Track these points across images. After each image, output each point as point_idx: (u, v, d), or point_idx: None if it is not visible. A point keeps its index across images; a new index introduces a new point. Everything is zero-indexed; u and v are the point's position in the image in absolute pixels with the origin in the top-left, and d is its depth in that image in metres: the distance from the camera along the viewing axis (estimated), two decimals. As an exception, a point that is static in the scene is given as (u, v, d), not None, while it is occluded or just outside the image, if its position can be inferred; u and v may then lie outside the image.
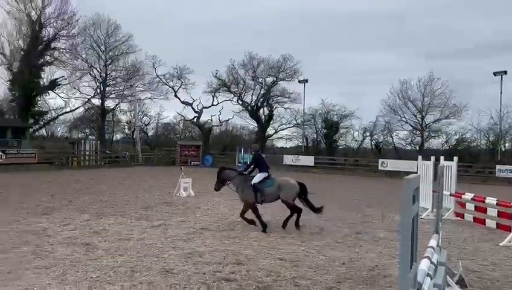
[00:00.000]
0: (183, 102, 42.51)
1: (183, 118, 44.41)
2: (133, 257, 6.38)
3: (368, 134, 39.20)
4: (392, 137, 38.40)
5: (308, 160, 33.87)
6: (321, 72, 56.41)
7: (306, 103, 39.81)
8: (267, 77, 41.39)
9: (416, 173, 11.91)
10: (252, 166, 9.49)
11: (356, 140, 40.12)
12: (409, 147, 37.37)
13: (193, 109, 42.56)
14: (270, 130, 42.63)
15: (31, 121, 33.76)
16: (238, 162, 25.19)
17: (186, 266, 6.03)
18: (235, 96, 42.01)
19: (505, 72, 31.56)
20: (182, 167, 16.29)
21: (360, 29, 58.13)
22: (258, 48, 63.77)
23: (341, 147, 40.62)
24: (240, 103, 42.06)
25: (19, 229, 8.13)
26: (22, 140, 27.04)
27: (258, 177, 9.17)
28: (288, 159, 34.26)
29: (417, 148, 35.07)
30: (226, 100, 42.16)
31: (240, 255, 6.73)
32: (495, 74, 32.06)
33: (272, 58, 40.48)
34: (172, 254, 6.66)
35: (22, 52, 32.68)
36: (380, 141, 38.90)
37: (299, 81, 39.25)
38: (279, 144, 45.63)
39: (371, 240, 8.30)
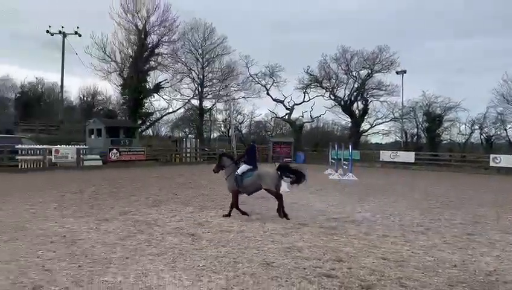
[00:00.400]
0: (274, 99, 43.15)
1: (275, 115, 45.05)
2: (235, 249, 6.61)
3: (476, 127, 35.78)
4: (505, 130, 34.47)
5: (408, 156, 31.95)
6: (421, 61, 52.79)
7: (404, 95, 37.87)
8: (361, 70, 40.07)
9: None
10: (246, 157, 9.93)
11: (463, 134, 36.88)
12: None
13: (284, 106, 42.95)
14: (364, 125, 41.17)
15: (139, 121, 37.11)
16: (332, 159, 24.70)
17: (286, 260, 6.07)
18: (327, 91, 41.39)
19: None
20: (275, 163, 16.50)
21: (463, 12, 53.02)
22: (351, 40, 61.85)
23: (445, 142, 37.59)
24: (332, 98, 41.33)
25: (133, 219, 8.95)
26: (132, 139, 29.85)
27: (241, 168, 9.54)
28: (385, 156, 32.71)
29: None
30: (317, 96, 41.81)
31: (340, 252, 6.57)
32: None
33: (366, 50, 39.09)
34: (271, 247, 6.76)
35: (130, 59, 36.04)
36: (491, 134, 35.19)
37: (397, 73, 37.25)
38: (375, 139, 43.89)
39: (486, 242, 7.51)
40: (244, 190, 9.46)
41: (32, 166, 21.80)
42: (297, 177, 9.13)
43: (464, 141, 36.64)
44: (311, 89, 41.96)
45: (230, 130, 41.50)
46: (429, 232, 8.23)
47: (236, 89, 42.66)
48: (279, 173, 9.34)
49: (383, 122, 40.13)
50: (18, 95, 50.65)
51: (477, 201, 13.14)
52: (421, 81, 58.85)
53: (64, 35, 38.81)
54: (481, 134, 35.76)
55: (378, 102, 39.80)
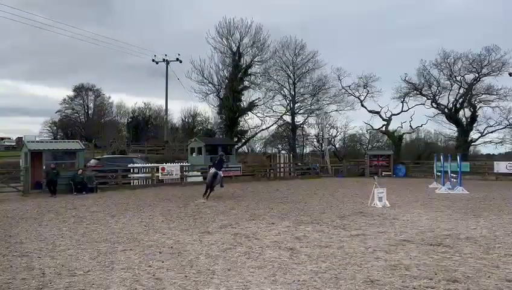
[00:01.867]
0: (370, 111, 41.61)
1: (370, 127, 43.39)
2: (335, 265, 6.36)
3: None
4: None
5: (528, 167, 28.15)
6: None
7: (520, 98, 33.51)
8: (466, 74, 36.76)
9: None
10: (215, 164, 16.44)
11: None
12: None
13: (381, 116, 41.16)
14: (473, 134, 37.44)
15: (235, 139, 38.58)
16: (437, 171, 22.80)
17: (392, 278, 5.65)
18: (428, 99, 38.74)
19: None
20: (376, 177, 15.74)
21: None
22: (453, 43, 57.36)
23: None
24: (435, 106, 38.51)
25: (233, 232, 9.19)
26: (229, 156, 31.07)
27: (210, 171, 16.21)
28: (500, 167, 29.28)
29: None
30: (417, 105, 39.29)
31: (454, 272, 5.92)
32: None
33: (471, 52, 35.83)
34: (374, 264, 6.36)
35: (226, 80, 37.89)
36: None
37: (510, 74, 33.42)
38: (487, 149, 39.61)
39: None
40: (210, 184, 15.91)
41: (142, 183, 23.87)
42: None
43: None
44: (410, 98, 39.65)
45: (323, 144, 40.94)
46: None
47: (328, 102, 42.17)
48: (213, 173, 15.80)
49: (496, 129, 36.10)
50: (130, 119, 56.48)
51: None
52: (541, 81, 51.86)
53: (167, 62, 42.42)
54: None
55: (488, 108, 36.03)
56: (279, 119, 42.51)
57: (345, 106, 42.09)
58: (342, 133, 47.04)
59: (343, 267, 6.20)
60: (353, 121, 61.80)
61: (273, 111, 41.81)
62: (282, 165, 33.71)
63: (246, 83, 38.95)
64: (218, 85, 38.36)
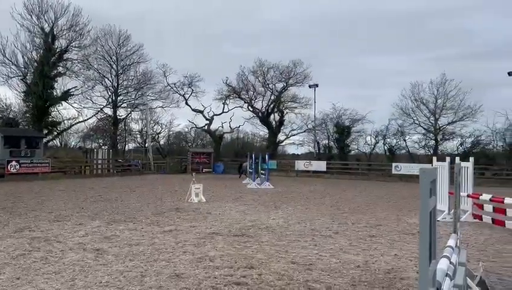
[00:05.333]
0: (194, 110, 42.72)
1: (194, 125, 44.59)
2: (143, 262, 6.28)
3: (380, 138, 38.75)
4: (405, 141, 37.92)
5: (320, 165, 33.60)
6: (331, 76, 56.17)
7: (317, 107, 39.63)
8: (277, 83, 41.39)
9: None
10: None
11: (369, 144, 39.71)
12: (422, 151, 36.85)
13: (204, 116, 42.74)
14: (281, 136, 42.49)
15: (45, 131, 34.20)
16: (249, 169, 25.03)
17: (197, 270, 5.92)
18: (245, 102, 42.05)
19: (520, 72, 30.97)
20: (194, 173, 16.27)
21: (369, 32, 57.85)
22: (268, 54, 63.89)
23: (353, 151, 40.21)
24: (251, 109, 42.07)
25: (31, 236, 8.11)
26: (35, 150, 27.35)
27: None
28: (300, 165, 34.06)
29: (431, 151, 34.51)
30: (236, 107, 42.24)
31: (252, 259, 6.59)
32: (509, 74, 31.51)
33: (281, 63, 40.51)
34: (182, 258, 6.55)
35: (35, 64, 33.21)
36: (393, 144, 38.41)
37: (310, 86, 39.14)
38: (291, 150, 45.44)
39: (386, 243, 8.08)
40: None
41: None
42: None
43: (370, 150, 39.57)
44: (230, 100, 42.38)
45: (146, 141, 40.09)
46: (337, 236, 8.64)
47: (153, 98, 41.46)
48: None
49: (298, 133, 41.81)
50: None
51: (381, 206, 14.17)
52: (332, 94, 62.62)
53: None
54: (384, 144, 38.93)
55: (293, 114, 41.43)
56: (99, 111, 39.66)
57: (170, 103, 42.14)
58: (166, 130, 46.94)
59: (151, 264, 6.18)
60: (178, 118, 62.36)
61: (93, 102, 38.75)
62: (99, 162, 31.54)
63: (61, 69, 34.99)
64: (25, 68, 33.39)
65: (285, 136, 42.43)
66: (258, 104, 41.96)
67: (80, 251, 6.90)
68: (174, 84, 42.01)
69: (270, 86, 41.36)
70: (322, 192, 19.12)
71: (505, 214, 9.19)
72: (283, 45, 56.77)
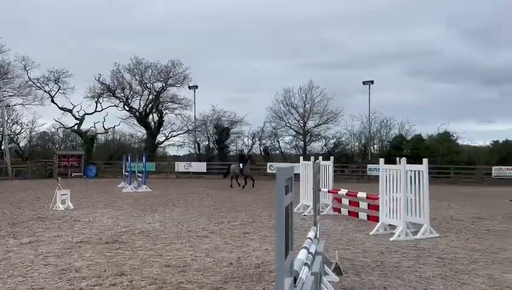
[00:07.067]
0: (61, 108, 39.02)
1: (62, 125, 40.66)
2: (-7, 280, 5.54)
3: (256, 139, 40.62)
4: (278, 142, 40.46)
5: (201, 166, 33.83)
6: (211, 78, 56.90)
7: (197, 109, 39.72)
8: (155, 82, 40.28)
9: (299, 173, 12.69)
10: None
11: (246, 145, 41.29)
12: (293, 151, 39.70)
13: (73, 115, 39.36)
14: (160, 137, 41.46)
15: None
16: (125, 171, 23.84)
17: (60, 283, 5.44)
18: (121, 101, 40.00)
19: (372, 82, 35.72)
20: (59, 178, 14.86)
21: (243, 36, 60.08)
22: (145, 52, 61.77)
23: (232, 152, 41.37)
24: (127, 109, 40.17)
25: None
26: None
27: None
28: (180, 167, 33.76)
29: (300, 151, 37.45)
30: (111, 106, 39.89)
31: (123, 266, 6.32)
32: (364, 83, 36.07)
33: (160, 63, 39.55)
34: (42, 272, 5.95)
35: None
36: (267, 145, 40.62)
37: (189, 87, 39.02)
38: (172, 151, 44.64)
39: (258, 239, 8.53)
40: None
41: None
42: None
43: (247, 151, 41.17)
44: (104, 99, 39.82)
45: (3, 142, 35.19)
46: (213, 235, 8.81)
47: (11, 94, 36.63)
48: None
49: (178, 134, 41.32)
50: None
51: (257, 203, 14.87)
52: (211, 96, 63.35)
53: None
54: (260, 145, 40.97)
55: (173, 115, 40.81)
56: None
57: (32, 100, 37.67)
58: (28, 131, 41.81)
59: (3, 282, 5.48)
60: (42, 117, 55.82)
61: None
62: None
63: None
64: None
65: (165, 137, 41.57)
66: (135, 104, 40.32)
67: None
68: (37, 79, 37.79)
69: (148, 85, 40.07)
70: (201, 193, 19.25)
71: (358, 206, 10.51)
72: (160, 44, 55.39)
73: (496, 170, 29.72)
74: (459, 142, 35.71)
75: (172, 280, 5.64)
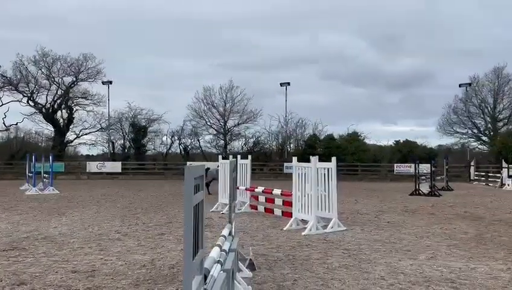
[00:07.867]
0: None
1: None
2: None
3: (176, 138, 39.88)
4: (198, 141, 40.14)
5: (115, 166, 32.31)
6: (127, 74, 54.47)
7: (111, 105, 37.79)
8: (65, 76, 37.55)
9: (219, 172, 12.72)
10: None
11: (165, 144, 40.32)
12: (214, 150, 39.71)
13: (-35, 110, 35.15)
14: (70, 135, 38.74)
15: None
16: (30, 172, 21.86)
17: None
18: (24, 96, 36.61)
19: (289, 84, 37.09)
20: None
21: (164, 35, 58.66)
22: (53, 44, 57.30)
23: (149, 151, 40.11)
24: (32, 104, 36.90)
25: None
26: None
27: None
28: (92, 167, 31.87)
29: (221, 150, 37.58)
30: (13, 101, 36.34)
31: (23, 274, 5.80)
32: (281, 84, 37.31)
33: (70, 56, 36.95)
34: None
35: None
36: (187, 144, 40.11)
37: (103, 83, 36.99)
38: (84, 150, 41.91)
39: (174, 239, 8.40)
40: None
41: None
42: None
43: (166, 150, 40.24)
44: (5, 93, 36.13)
45: None
46: (125, 238, 8.47)
47: None
48: None
49: (90, 132, 38.97)
50: None
51: (173, 204, 14.57)
52: (128, 93, 60.66)
53: None
54: (180, 144, 40.28)
55: (84, 111, 38.37)
56: None
57: None
58: None
59: None
60: None
61: None
62: None
63: None
64: None
65: (76, 136, 38.95)
66: (42, 99, 37.24)
67: None
68: None
69: (56, 79, 37.22)
70: (115, 194, 18.39)
71: (274, 203, 10.86)
72: (70, 36, 51.73)
73: (398, 167, 32.67)
74: (366, 141, 38.69)
75: (79, 285, 5.32)
